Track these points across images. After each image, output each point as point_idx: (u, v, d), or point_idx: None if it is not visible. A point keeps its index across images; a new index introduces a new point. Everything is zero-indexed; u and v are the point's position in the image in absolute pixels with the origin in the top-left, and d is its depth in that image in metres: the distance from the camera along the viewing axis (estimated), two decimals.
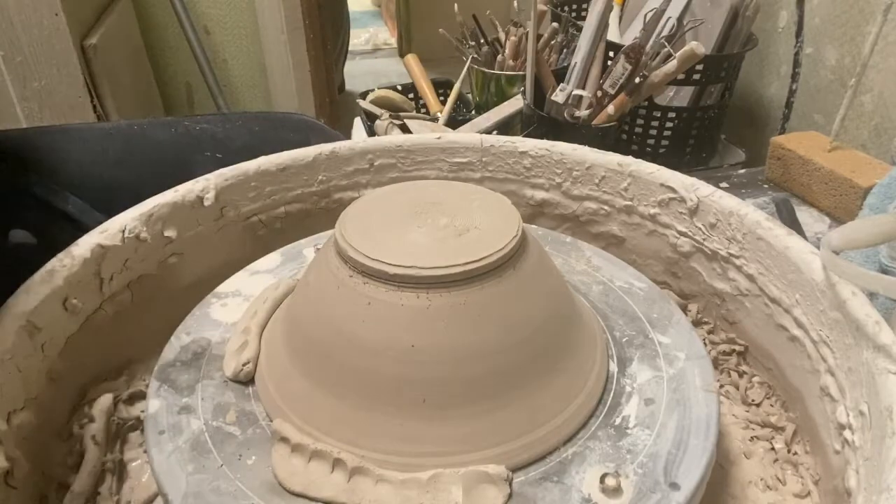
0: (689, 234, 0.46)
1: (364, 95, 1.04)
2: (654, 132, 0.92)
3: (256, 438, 0.31)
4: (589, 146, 0.51)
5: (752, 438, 0.39)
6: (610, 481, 0.29)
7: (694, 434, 0.32)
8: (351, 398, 0.31)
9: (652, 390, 0.34)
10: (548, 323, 0.33)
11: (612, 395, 0.34)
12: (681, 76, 0.80)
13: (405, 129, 0.93)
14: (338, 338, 0.31)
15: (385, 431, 0.30)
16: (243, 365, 0.34)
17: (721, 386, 0.43)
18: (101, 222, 0.42)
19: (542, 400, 0.31)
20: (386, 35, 2.72)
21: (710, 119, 0.92)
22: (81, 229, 0.41)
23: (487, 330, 0.30)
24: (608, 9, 0.80)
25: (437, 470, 0.29)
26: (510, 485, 0.29)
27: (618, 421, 0.33)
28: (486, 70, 1.01)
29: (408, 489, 0.29)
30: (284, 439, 0.30)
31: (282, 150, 0.51)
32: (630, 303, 0.40)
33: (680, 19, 0.85)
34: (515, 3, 1.07)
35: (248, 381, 0.35)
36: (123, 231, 0.42)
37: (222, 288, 0.41)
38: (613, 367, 0.36)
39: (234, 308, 0.39)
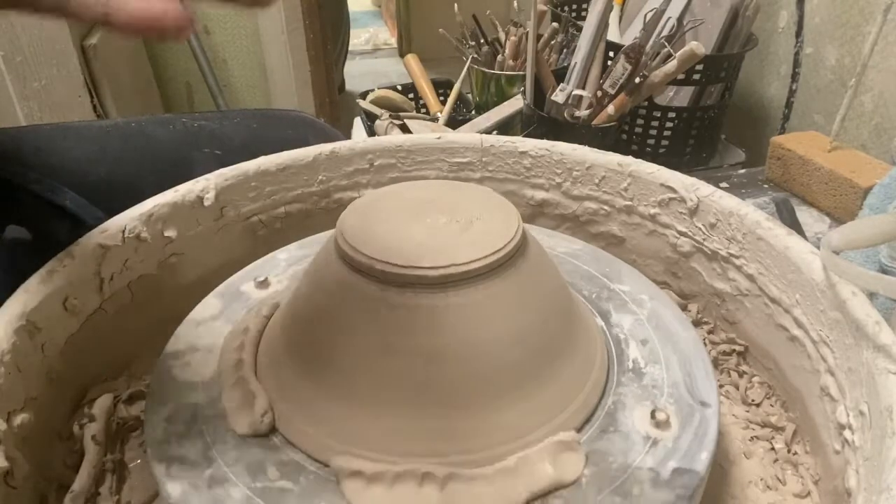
0: (689, 234, 0.46)
1: (364, 95, 1.04)
2: (654, 132, 0.92)
3: (315, 485, 0.29)
4: (589, 146, 0.51)
5: (752, 438, 0.39)
6: (660, 415, 0.32)
7: (693, 359, 0.36)
8: (402, 410, 0.30)
9: (641, 332, 0.37)
10: (557, 309, 0.34)
11: (612, 344, 0.37)
12: (681, 76, 0.80)
13: (405, 129, 0.93)
14: (369, 352, 0.30)
15: (448, 434, 0.30)
16: (262, 415, 0.31)
17: (721, 386, 0.43)
18: (100, 219, 0.42)
19: (573, 370, 0.33)
20: (386, 35, 2.72)
21: (710, 119, 0.92)
22: (81, 226, 0.41)
23: (506, 322, 0.31)
24: (608, 9, 0.80)
25: (523, 452, 0.29)
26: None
27: (630, 365, 0.35)
28: (486, 70, 1.01)
29: (502, 479, 0.29)
30: (356, 473, 0.29)
31: (280, 148, 0.51)
32: (580, 264, 0.43)
33: (680, 19, 0.85)
34: (515, 3, 1.07)
35: (269, 431, 0.31)
36: (123, 231, 0.42)
37: (173, 347, 0.36)
38: (600, 321, 0.38)
39: (200, 364, 0.35)
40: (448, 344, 0.30)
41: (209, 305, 0.40)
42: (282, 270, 0.42)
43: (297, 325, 0.34)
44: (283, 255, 0.44)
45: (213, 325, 0.38)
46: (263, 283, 0.41)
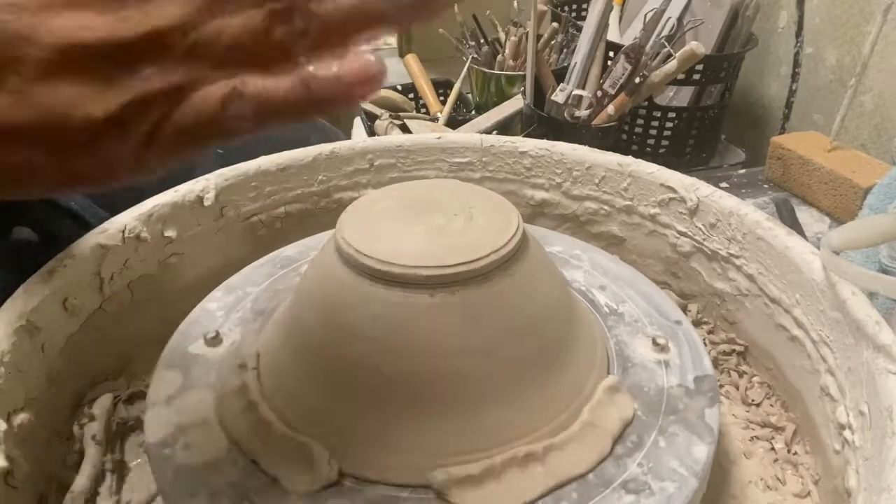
0: (689, 234, 0.46)
1: None
2: (654, 132, 0.92)
3: None
4: (589, 146, 0.51)
5: (752, 438, 0.39)
6: (660, 341, 0.36)
7: (647, 290, 0.41)
8: (459, 406, 0.30)
9: (595, 281, 0.41)
10: (562, 294, 0.35)
11: (580, 295, 0.40)
12: (681, 76, 0.80)
13: (405, 129, 0.93)
14: (391, 359, 0.30)
15: (514, 416, 0.30)
16: (328, 463, 0.29)
17: (721, 386, 0.43)
18: (104, 220, 0.42)
19: (587, 335, 0.36)
20: (386, 35, 2.72)
21: (710, 119, 0.92)
22: (85, 227, 0.41)
23: (516, 314, 0.31)
24: (608, 9, 0.80)
25: (589, 405, 0.32)
26: None
27: (606, 310, 0.39)
28: (486, 70, 1.01)
29: (588, 433, 0.31)
30: (464, 479, 0.28)
31: (281, 146, 0.51)
32: None
33: (680, 19, 0.85)
34: (515, 3, 1.07)
35: (337, 477, 0.29)
36: (124, 231, 0.42)
37: (157, 435, 0.32)
38: None
39: (203, 442, 0.31)
40: (463, 340, 0.30)
41: (168, 379, 0.35)
42: (223, 319, 0.39)
43: (305, 342, 0.32)
44: (212, 304, 0.40)
45: (187, 398, 0.34)
46: (215, 339, 0.37)
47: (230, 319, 0.39)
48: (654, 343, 0.36)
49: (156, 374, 0.35)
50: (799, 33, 0.95)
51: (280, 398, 0.32)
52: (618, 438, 0.31)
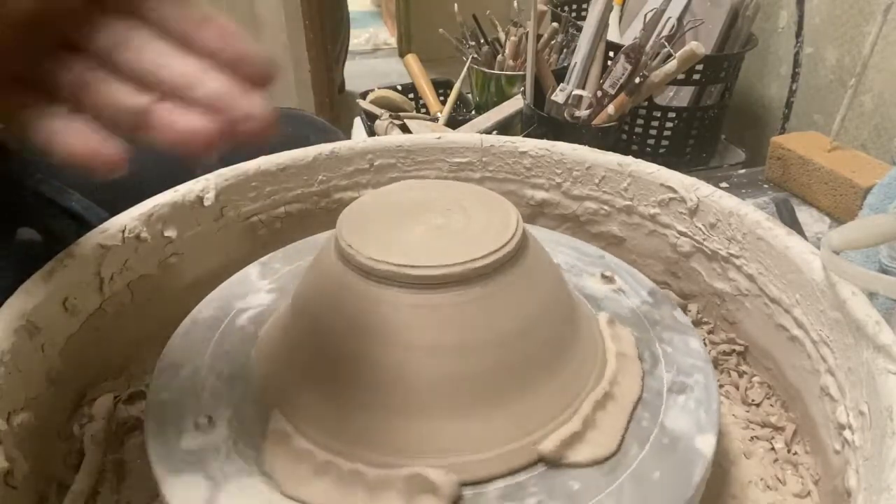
0: (689, 234, 0.46)
1: (364, 95, 1.04)
2: (654, 132, 0.92)
3: (547, 480, 0.29)
4: (589, 146, 0.51)
5: (752, 438, 0.39)
6: (607, 273, 0.41)
7: (563, 240, 0.45)
8: (503, 395, 0.31)
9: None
10: (562, 288, 0.36)
11: None
12: (681, 76, 0.80)
13: (405, 129, 0.93)
14: (405, 360, 0.30)
15: (552, 395, 0.31)
16: (448, 478, 0.28)
17: (721, 386, 0.43)
18: (104, 219, 0.42)
19: (586, 313, 0.37)
20: (386, 35, 2.72)
21: (710, 119, 0.92)
22: (86, 227, 0.41)
23: (517, 314, 0.31)
24: (608, 9, 0.80)
25: (608, 340, 0.34)
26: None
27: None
28: (486, 70, 1.02)
29: (624, 363, 0.33)
30: (573, 437, 0.30)
31: (281, 146, 0.51)
32: None
33: (680, 19, 0.85)
34: (515, 3, 1.07)
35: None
36: (124, 231, 0.42)
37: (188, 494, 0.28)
38: None
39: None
40: (474, 335, 0.30)
41: (191, 487, 0.29)
42: (195, 402, 0.33)
43: (333, 363, 0.31)
44: (164, 394, 0.34)
45: (232, 493, 0.29)
46: (210, 424, 0.32)
47: (203, 398, 0.33)
48: (603, 277, 0.41)
49: (169, 488, 0.29)
50: (799, 33, 0.95)
51: (348, 444, 0.30)
52: (640, 358, 0.35)
